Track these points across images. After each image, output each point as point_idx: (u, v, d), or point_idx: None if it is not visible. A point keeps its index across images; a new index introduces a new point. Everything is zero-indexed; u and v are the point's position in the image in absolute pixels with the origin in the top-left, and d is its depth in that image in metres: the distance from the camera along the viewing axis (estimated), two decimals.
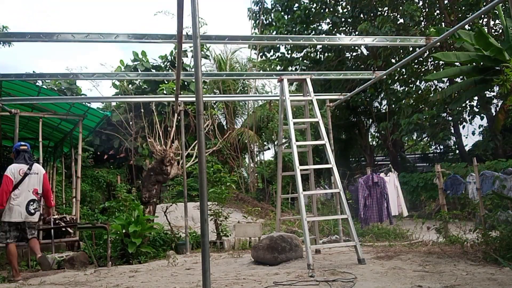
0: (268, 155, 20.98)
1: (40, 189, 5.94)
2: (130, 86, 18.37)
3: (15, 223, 5.69)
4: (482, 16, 15.20)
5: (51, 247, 7.60)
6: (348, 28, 18.94)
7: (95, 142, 17.21)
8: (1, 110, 7.79)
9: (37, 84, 12.31)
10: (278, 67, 18.24)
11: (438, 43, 8.75)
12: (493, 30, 16.33)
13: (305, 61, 19.16)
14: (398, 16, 16.98)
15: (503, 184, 8.30)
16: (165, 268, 5.89)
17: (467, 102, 15.51)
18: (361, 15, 18.29)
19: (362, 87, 9.32)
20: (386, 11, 17.74)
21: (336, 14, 18.31)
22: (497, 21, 15.77)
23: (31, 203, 5.76)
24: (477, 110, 15.78)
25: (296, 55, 19.60)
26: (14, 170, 5.77)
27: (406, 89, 17.72)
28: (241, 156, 18.85)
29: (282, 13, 18.90)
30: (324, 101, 9.06)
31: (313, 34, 17.76)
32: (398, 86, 18.42)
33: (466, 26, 13.21)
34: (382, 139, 21.61)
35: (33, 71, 13.89)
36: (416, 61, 17.76)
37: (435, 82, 18.21)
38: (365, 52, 19.36)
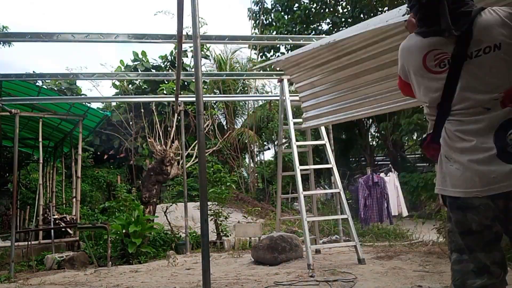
0: (268, 155, 21.00)
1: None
2: (130, 86, 18.35)
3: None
4: None
5: (51, 247, 7.61)
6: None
7: (95, 142, 17.19)
8: (1, 110, 7.79)
9: (37, 84, 12.31)
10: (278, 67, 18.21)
11: None
12: None
13: None
14: None
15: None
16: (165, 268, 5.89)
17: None
18: (361, 15, 18.26)
19: None
20: (386, 11, 17.74)
21: (336, 14, 18.31)
22: None
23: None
24: None
25: None
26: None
27: None
28: (241, 156, 18.82)
29: (282, 13, 18.88)
30: None
31: (313, 34, 17.75)
32: None
33: None
34: (382, 139, 21.59)
35: (33, 71, 13.88)
36: None
37: None
38: None
